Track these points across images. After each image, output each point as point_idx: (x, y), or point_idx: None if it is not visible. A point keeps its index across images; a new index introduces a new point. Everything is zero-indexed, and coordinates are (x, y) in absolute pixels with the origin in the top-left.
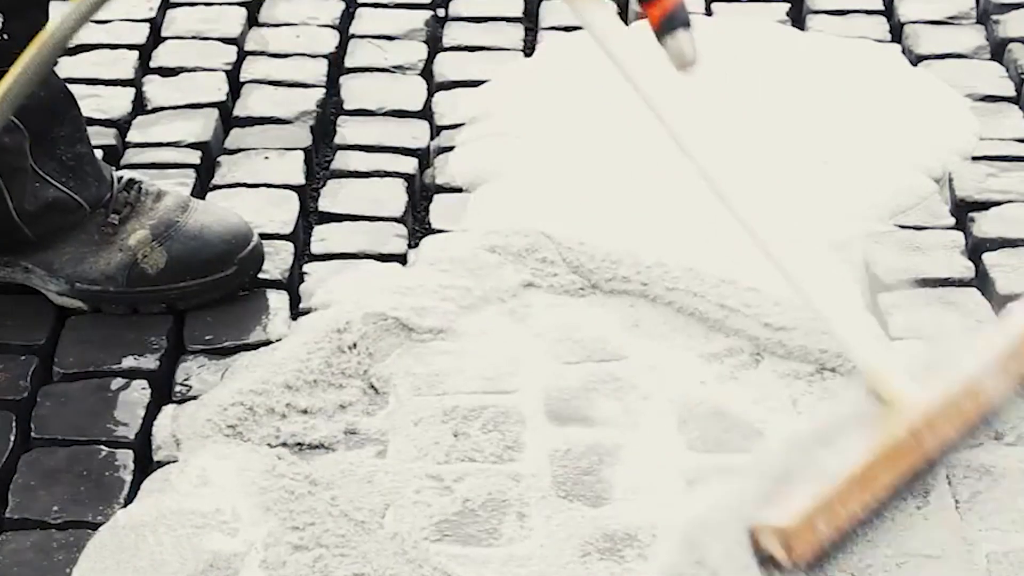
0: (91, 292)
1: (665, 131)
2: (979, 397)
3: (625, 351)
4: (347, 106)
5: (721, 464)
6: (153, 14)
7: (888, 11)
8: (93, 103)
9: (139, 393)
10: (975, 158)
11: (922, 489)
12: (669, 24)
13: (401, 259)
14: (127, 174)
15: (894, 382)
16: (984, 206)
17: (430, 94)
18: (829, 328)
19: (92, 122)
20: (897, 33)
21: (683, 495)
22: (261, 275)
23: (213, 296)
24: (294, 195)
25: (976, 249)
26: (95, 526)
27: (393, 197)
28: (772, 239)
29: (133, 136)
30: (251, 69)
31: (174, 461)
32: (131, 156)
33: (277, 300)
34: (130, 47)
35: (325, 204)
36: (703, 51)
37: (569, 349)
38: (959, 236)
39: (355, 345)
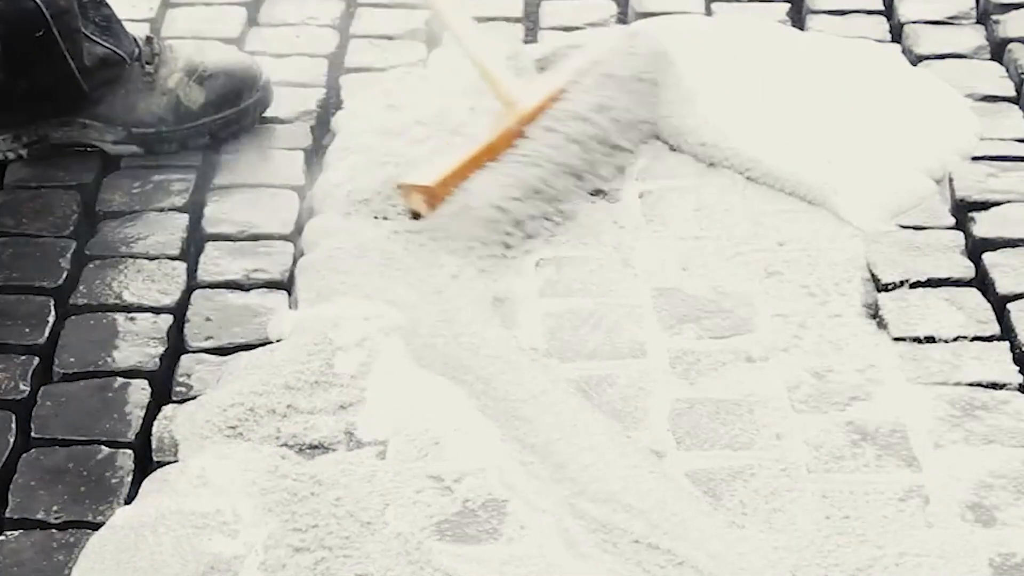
0: (147, 135)
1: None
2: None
3: None
4: (347, 106)
5: None
6: (153, 14)
7: (888, 11)
8: None
9: (139, 393)
10: (975, 158)
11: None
12: None
13: None
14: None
15: (509, 90)
16: (984, 206)
17: None
18: (465, 53)
19: None
20: (897, 33)
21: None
22: (261, 275)
23: (245, 123)
24: (294, 195)
25: (976, 249)
26: (95, 526)
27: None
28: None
29: None
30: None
31: (174, 461)
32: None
33: (277, 300)
34: None
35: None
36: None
37: None
38: (959, 236)
39: (357, 345)
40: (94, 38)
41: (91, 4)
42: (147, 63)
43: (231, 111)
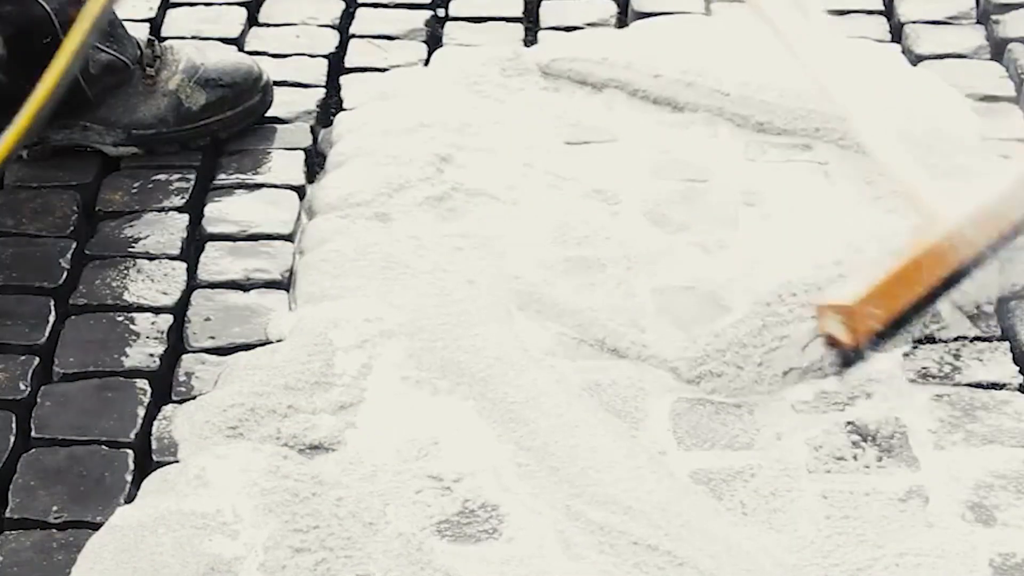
0: (147, 136)
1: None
2: (1006, 217)
3: None
4: (347, 106)
5: None
6: (153, 14)
7: (888, 11)
8: None
9: (139, 393)
10: (976, 157)
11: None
12: None
13: None
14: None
15: (931, 201)
16: None
17: None
18: (876, 160)
19: None
20: (897, 33)
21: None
22: (261, 275)
23: (246, 123)
24: (294, 195)
25: None
26: (95, 526)
27: None
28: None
29: None
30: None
31: (174, 461)
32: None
33: (277, 300)
34: None
35: None
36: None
37: None
38: None
39: (357, 347)
40: (99, 46)
41: None
42: (148, 65)
43: (232, 112)
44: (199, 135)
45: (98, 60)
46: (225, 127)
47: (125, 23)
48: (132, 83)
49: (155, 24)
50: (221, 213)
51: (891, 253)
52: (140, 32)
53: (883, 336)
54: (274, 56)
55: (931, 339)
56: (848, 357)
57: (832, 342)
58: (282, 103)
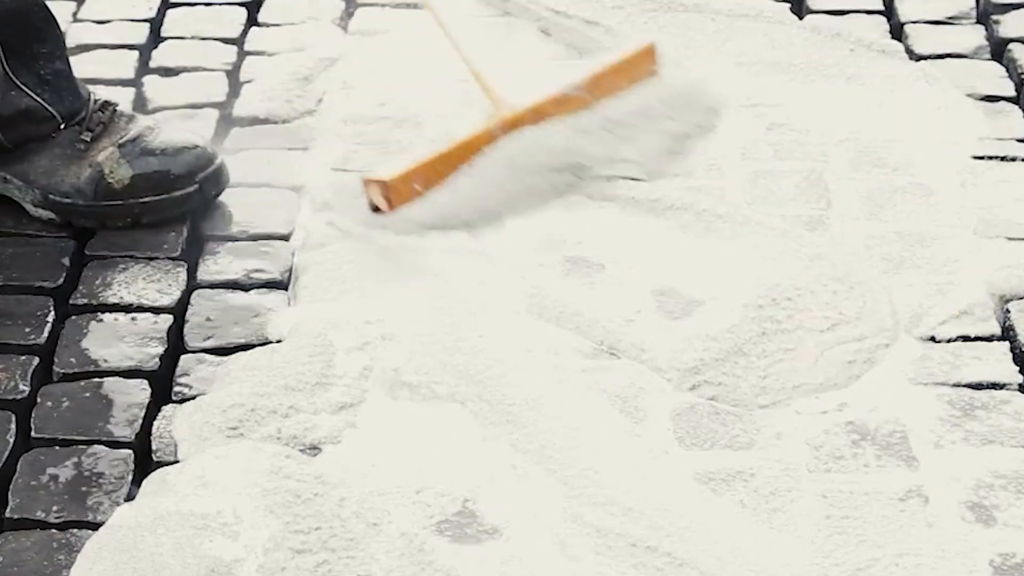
0: (63, 204)
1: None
2: (563, 103)
3: None
4: (346, 104)
5: None
6: (153, 14)
7: (888, 11)
8: None
9: (139, 393)
10: (976, 157)
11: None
12: None
13: None
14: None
15: (497, 90)
16: None
17: None
18: (461, 55)
19: None
20: (897, 33)
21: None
22: (261, 275)
23: (175, 212)
24: (294, 195)
25: None
26: (95, 526)
27: None
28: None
29: None
30: (251, 69)
31: (174, 462)
32: None
33: (277, 300)
34: (130, 47)
35: None
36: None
37: None
38: None
39: (358, 348)
40: (25, 88)
41: (44, 56)
42: (89, 130)
43: (157, 197)
44: (118, 215)
45: (15, 103)
46: (148, 212)
47: (125, 22)
48: (60, 143)
49: (155, 24)
50: (221, 213)
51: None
52: (140, 34)
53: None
54: (274, 56)
55: (932, 339)
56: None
57: (374, 210)
58: (283, 103)
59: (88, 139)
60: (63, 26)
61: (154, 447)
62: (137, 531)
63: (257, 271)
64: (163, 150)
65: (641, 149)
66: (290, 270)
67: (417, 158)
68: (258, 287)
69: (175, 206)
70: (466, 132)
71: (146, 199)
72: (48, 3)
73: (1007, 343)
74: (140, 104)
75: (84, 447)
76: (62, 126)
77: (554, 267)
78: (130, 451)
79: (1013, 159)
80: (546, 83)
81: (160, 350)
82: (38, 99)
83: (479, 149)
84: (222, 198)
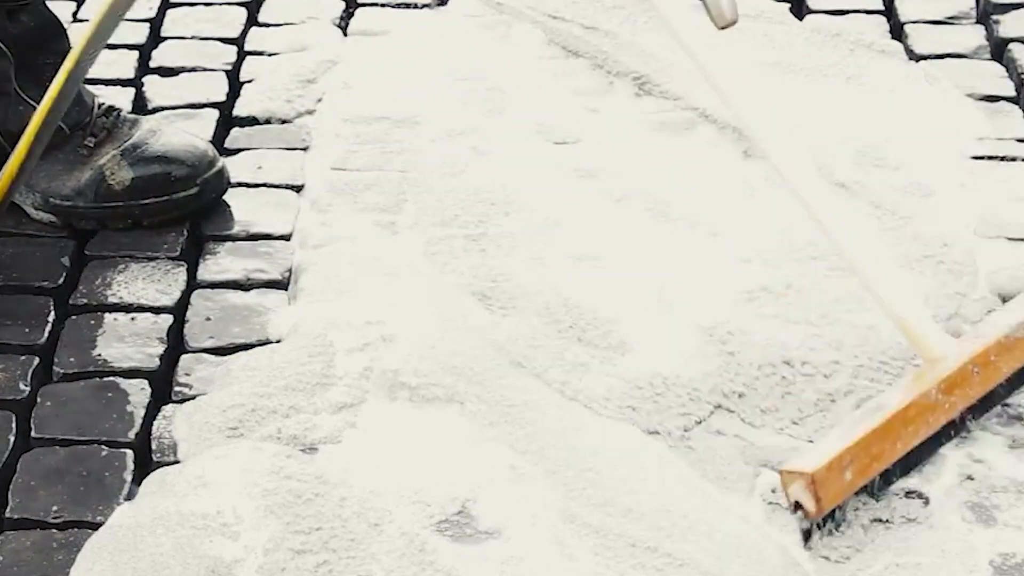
0: (63, 207)
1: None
2: (1013, 351)
3: None
4: (347, 102)
5: None
6: (153, 14)
7: (888, 11)
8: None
9: (139, 393)
10: (975, 157)
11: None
12: None
13: None
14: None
15: (928, 337)
16: None
17: None
18: (869, 288)
19: None
20: (897, 33)
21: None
22: (261, 275)
23: (176, 215)
24: (294, 195)
25: None
26: (95, 526)
27: None
28: (830, 214)
29: None
30: (251, 69)
31: (174, 462)
32: None
33: (277, 300)
34: (130, 47)
35: None
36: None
37: None
38: None
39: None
40: (32, 103)
41: (51, 67)
42: (92, 135)
43: (157, 200)
44: (118, 217)
45: (24, 118)
46: (148, 214)
47: (125, 22)
48: (65, 148)
49: (155, 24)
50: (221, 213)
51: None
52: (140, 34)
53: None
54: (274, 56)
55: None
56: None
57: (797, 507)
58: (283, 102)
59: (91, 144)
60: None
61: (154, 447)
62: (137, 531)
63: (257, 271)
64: (164, 153)
65: None
66: (290, 270)
67: (846, 436)
68: (258, 287)
69: (176, 208)
70: (899, 397)
71: (147, 201)
72: (48, 3)
73: None
74: (140, 104)
75: (84, 447)
76: (66, 133)
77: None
78: (130, 451)
79: (1013, 159)
80: (988, 321)
81: (160, 350)
82: None
83: (922, 421)
84: (222, 198)
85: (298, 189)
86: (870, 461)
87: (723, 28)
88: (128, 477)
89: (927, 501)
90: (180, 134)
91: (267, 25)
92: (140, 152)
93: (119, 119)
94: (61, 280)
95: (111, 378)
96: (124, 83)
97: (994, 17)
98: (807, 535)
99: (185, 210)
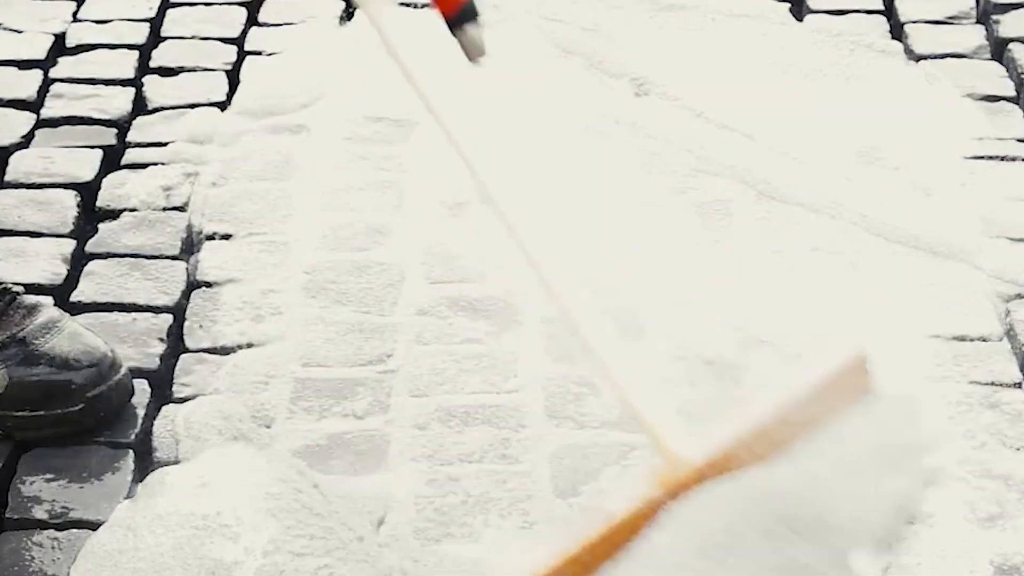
0: None
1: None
2: (759, 449)
3: None
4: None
5: None
6: (153, 14)
7: (888, 11)
8: (93, 103)
9: (139, 393)
10: (975, 157)
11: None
12: (461, 18)
13: None
14: (10, 280)
15: (670, 441)
16: None
17: None
18: (617, 391)
19: (92, 122)
20: (897, 33)
21: None
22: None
23: (55, 432)
24: (293, 193)
25: None
26: (95, 526)
27: None
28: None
29: (133, 136)
30: (251, 69)
31: (174, 462)
32: (131, 156)
33: (277, 299)
34: (130, 47)
35: None
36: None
37: None
38: None
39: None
40: None
41: None
42: None
43: (32, 414)
44: None
45: None
46: (21, 428)
47: (125, 22)
48: None
49: (155, 24)
50: (222, 212)
51: None
52: (140, 34)
53: None
54: (273, 55)
55: (932, 338)
56: None
57: None
58: (282, 101)
59: None
60: (63, 26)
61: (154, 447)
62: (137, 531)
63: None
64: (51, 359)
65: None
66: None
67: (564, 550)
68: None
69: (53, 425)
70: (627, 503)
71: (19, 413)
72: (49, 3)
73: (1007, 343)
74: (140, 104)
75: (84, 447)
76: None
77: None
78: (130, 451)
79: (1013, 159)
80: (728, 421)
81: (160, 350)
82: None
83: (643, 526)
84: (223, 196)
85: (297, 187)
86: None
87: (475, 61)
88: (128, 477)
89: (927, 500)
90: (81, 336)
91: (267, 25)
92: (23, 352)
93: (12, 304)
94: (61, 280)
95: None
96: (124, 83)
97: (994, 17)
98: None
99: (65, 429)
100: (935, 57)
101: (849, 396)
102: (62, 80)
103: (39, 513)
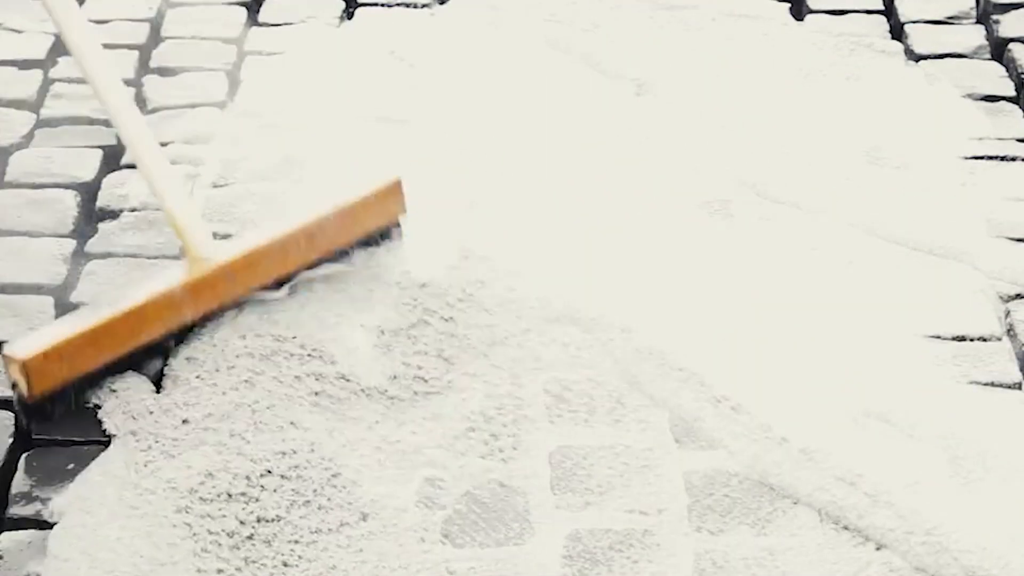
0: None
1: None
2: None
3: None
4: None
5: None
6: (153, 14)
7: (888, 11)
8: (93, 103)
9: (135, 390)
10: (975, 157)
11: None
12: None
13: None
14: None
15: (195, 237)
16: None
17: None
18: (150, 183)
19: (92, 122)
20: (897, 33)
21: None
22: None
23: None
24: (295, 189)
25: None
26: (95, 524)
27: None
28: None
29: None
30: (251, 69)
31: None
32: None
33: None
34: (130, 47)
35: None
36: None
37: None
38: None
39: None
40: None
41: None
42: None
43: None
44: None
45: None
46: None
47: (125, 22)
48: None
49: (155, 24)
50: (224, 210)
51: None
52: (140, 34)
53: (66, 394)
54: (273, 55)
55: (932, 338)
56: (30, 411)
57: (19, 393)
58: (283, 101)
59: None
60: None
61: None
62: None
63: None
64: None
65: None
66: None
67: (73, 326)
68: None
69: None
70: (140, 293)
71: None
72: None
73: (1007, 343)
74: (140, 104)
75: (84, 447)
76: None
77: None
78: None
79: (1013, 159)
80: (262, 224)
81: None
82: None
83: (159, 321)
84: (224, 196)
85: (298, 182)
86: (95, 353)
87: None
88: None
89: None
90: None
91: (267, 25)
92: None
93: None
94: (61, 280)
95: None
96: (124, 83)
97: (994, 17)
98: (28, 417)
99: None
100: (935, 57)
101: (381, 217)
102: (62, 80)
103: (39, 513)
